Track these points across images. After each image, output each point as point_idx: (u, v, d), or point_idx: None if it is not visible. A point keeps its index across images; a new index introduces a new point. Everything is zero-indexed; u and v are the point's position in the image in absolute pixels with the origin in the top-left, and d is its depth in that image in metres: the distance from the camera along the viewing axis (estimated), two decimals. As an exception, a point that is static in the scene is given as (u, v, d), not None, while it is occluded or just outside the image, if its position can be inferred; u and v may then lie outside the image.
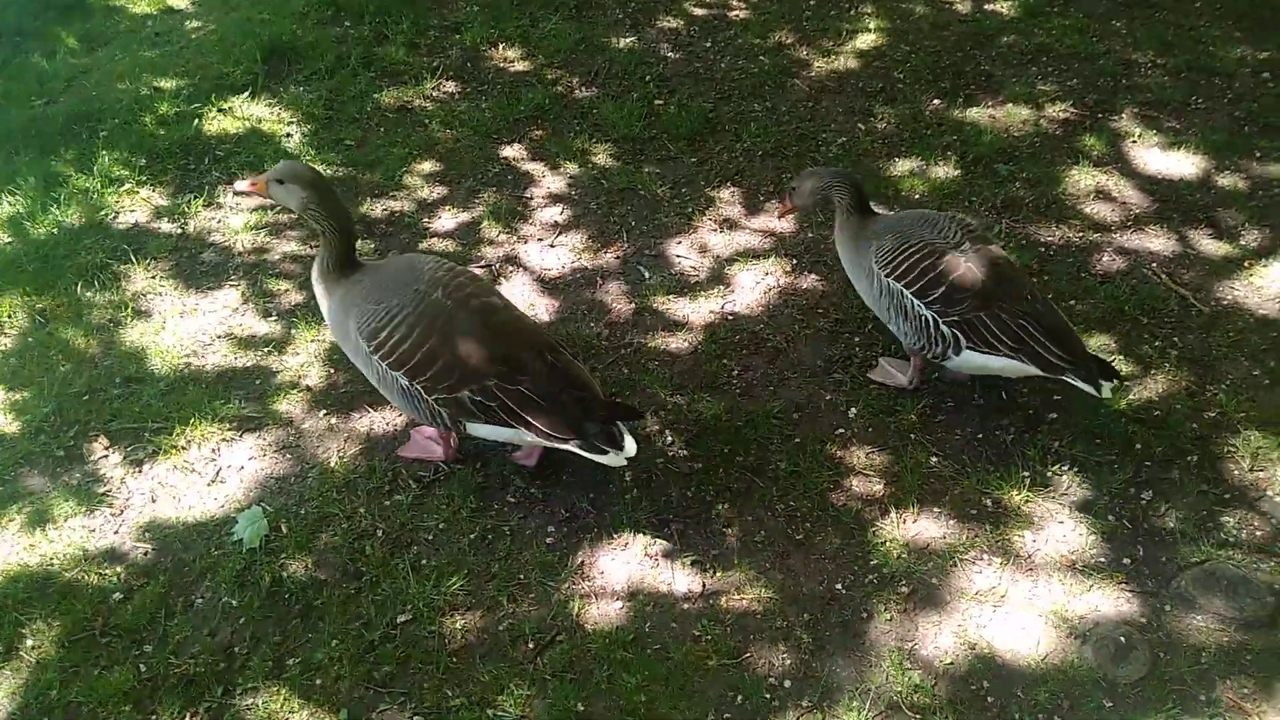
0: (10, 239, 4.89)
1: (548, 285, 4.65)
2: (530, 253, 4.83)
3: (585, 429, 3.25)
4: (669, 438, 3.92)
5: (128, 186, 5.17)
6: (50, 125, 5.55)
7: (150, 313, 4.50)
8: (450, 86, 5.92)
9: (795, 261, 4.71)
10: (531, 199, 5.14)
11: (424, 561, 3.54)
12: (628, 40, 6.30)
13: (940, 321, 3.56)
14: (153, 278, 4.68)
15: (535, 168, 5.34)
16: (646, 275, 4.69)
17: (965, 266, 3.54)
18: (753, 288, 4.61)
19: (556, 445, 3.32)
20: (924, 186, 5.10)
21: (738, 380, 4.16)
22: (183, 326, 4.43)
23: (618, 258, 4.80)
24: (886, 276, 3.66)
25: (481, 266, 4.75)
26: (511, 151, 5.44)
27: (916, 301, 3.58)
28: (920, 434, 3.91)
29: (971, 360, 3.62)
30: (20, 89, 5.94)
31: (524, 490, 3.75)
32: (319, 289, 3.60)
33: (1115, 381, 3.54)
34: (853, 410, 4.01)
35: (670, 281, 4.64)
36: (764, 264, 4.71)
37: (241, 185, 3.58)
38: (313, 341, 4.34)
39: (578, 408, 3.25)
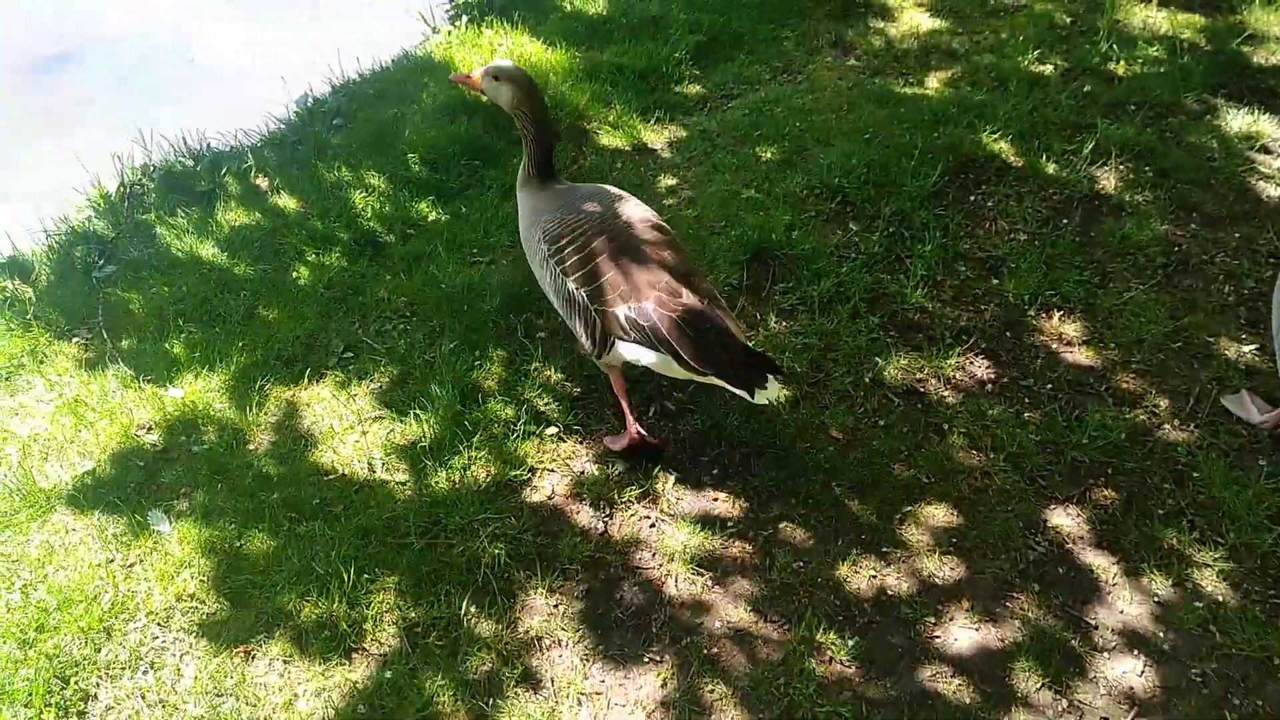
0: (403, 480, 3.87)
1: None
2: (1087, 743, 3.10)
3: (727, 367, 3.32)
4: None
5: (552, 431, 4.03)
6: (482, 301, 4.56)
7: (541, 680, 3.26)
8: (979, 367, 4.27)
9: None
10: (1095, 628, 3.38)
11: None
12: (1247, 349, 4.31)
13: None
14: (555, 607, 3.46)
15: (1101, 564, 3.56)
16: None
17: None
18: None
19: (697, 378, 3.39)
20: None
21: None
22: (578, 722, 3.17)
23: (1238, 811, 2.95)
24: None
25: (1009, 747, 3.08)
26: (1065, 519, 3.70)
27: None
28: None
29: None
30: (464, 232, 5.03)
31: None
32: (519, 195, 3.92)
33: None
34: None
35: None
36: None
37: (457, 75, 3.96)
38: (748, 826, 2.91)
39: (720, 347, 3.35)
